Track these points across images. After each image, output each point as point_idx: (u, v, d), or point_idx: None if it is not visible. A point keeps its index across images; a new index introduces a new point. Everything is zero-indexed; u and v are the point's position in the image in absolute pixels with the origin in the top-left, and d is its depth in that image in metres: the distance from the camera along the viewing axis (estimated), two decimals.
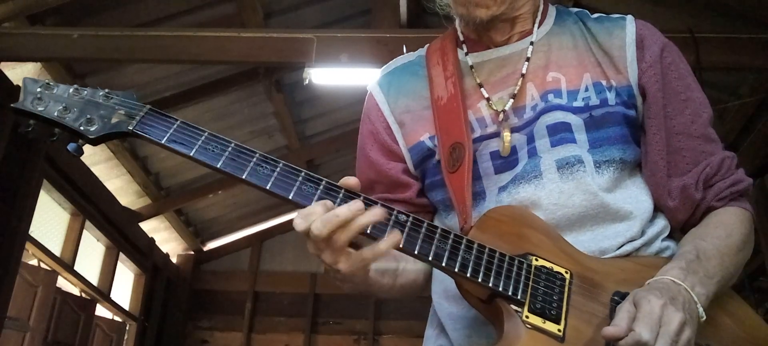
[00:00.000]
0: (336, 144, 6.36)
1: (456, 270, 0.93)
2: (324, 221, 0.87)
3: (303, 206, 0.91)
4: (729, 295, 1.06)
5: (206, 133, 0.96)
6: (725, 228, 1.07)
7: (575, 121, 1.09)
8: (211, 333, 7.50)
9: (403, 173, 1.19)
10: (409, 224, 0.93)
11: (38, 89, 0.98)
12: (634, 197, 1.10)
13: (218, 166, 0.93)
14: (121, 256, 6.12)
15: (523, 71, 1.13)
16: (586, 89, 1.11)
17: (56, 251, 4.98)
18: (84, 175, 5.21)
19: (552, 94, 1.11)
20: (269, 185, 0.93)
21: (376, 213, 0.90)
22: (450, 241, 0.94)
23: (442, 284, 1.13)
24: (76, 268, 5.18)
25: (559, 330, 0.93)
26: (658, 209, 1.12)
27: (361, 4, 4.97)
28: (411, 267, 1.14)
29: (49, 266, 4.90)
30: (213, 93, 5.28)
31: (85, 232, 5.37)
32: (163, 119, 0.97)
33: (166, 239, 7.19)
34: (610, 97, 1.10)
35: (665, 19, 3.97)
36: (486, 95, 1.13)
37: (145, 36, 3.95)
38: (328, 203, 0.90)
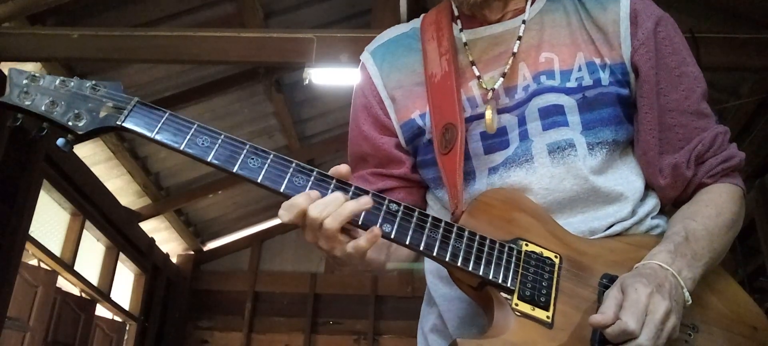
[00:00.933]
0: (336, 144, 6.36)
1: (447, 259, 0.94)
2: (320, 206, 0.89)
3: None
4: (717, 272, 1.06)
5: (195, 126, 0.94)
6: (716, 206, 1.06)
7: (568, 102, 1.08)
8: (211, 333, 7.50)
9: (395, 147, 1.19)
10: (400, 213, 0.94)
11: (24, 81, 0.95)
12: (625, 178, 1.09)
13: (208, 159, 0.92)
14: (121, 256, 6.12)
15: (514, 50, 1.12)
16: (579, 69, 1.10)
17: (56, 251, 4.98)
18: (84, 175, 5.21)
19: (544, 76, 1.10)
20: (260, 178, 0.92)
21: (362, 202, 0.91)
22: (441, 230, 0.95)
23: (436, 264, 1.13)
24: (76, 268, 5.18)
25: (547, 317, 0.94)
26: (649, 187, 1.12)
27: (361, 4, 4.97)
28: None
29: (49, 266, 4.90)
30: (213, 93, 5.28)
31: (85, 232, 5.37)
32: (152, 112, 0.95)
33: (166, 239, 7.19)
34: (604, 76, 1.09)
35: None
36: (477, 74, 1.13)
37: (145, 36, 3.95)
38: (313, 193, 0.90)
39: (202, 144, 0.93)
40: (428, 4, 4.39)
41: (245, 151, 0.93)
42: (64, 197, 4.97)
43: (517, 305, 0.94)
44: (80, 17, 4.22)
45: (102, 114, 0.95)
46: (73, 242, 5.18)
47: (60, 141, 0.95)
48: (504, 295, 0.95)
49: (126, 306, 6.39)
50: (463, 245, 0.95)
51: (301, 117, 6.11)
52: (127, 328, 6.48)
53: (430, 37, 1.20)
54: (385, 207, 0.93)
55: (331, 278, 7.47)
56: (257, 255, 7.77)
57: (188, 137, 0.93)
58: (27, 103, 0.94)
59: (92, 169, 5.35)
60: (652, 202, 1.11)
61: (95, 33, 3.90)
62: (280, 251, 7.73)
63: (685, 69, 1.12)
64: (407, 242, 0.93)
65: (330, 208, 0.89)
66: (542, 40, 1.13)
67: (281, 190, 0.92)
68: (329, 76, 3.99)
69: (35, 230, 4.57)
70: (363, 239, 0.90)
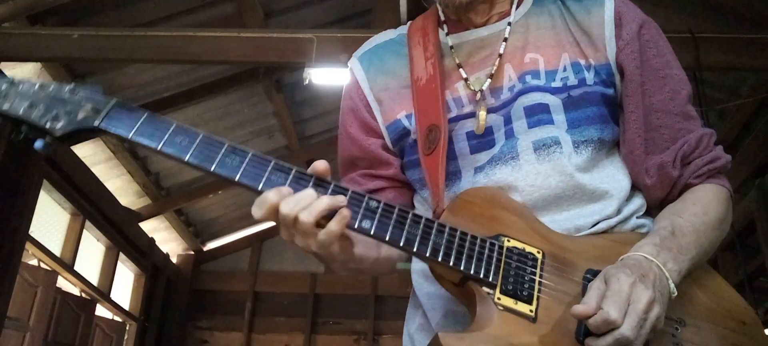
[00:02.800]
0: (336, 144, 6.32)
1: (427, 255, 0.93)
2: (292, 203, 0.88)
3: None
4: (703, 268, 1.07)
5: (174, 126, 0.94)
6: (703, 205, 1.07)
7: (553, 101, 1.09)
8: (211, 333, 7.50)
9: (382, 149, 1.20)
10: (380, 210, 0.93)
11: (3, 86, 0.96)
12: (611, 176, 1.10)
13: (186, 159, 0.92)
14: (121, 256, 6.12)
15: (501, 51, 1.13)
16: (564, 69, 1.11)
17: (56, 251, 4.98)
18: (84, 175, 5.21)
19: (530, 76, 1.11)
20: (238, 177, 0.92)
21: (337, 198, 0.91)
22: (421, 225, 0.94)
23: (421, 263, 1.14)
24: (76, 268, 5.18)
25: (530, 311, 0.94)
26: (635, 187, 1.12)
27: (361, 4, 4.97)
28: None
29: (49, 266, 4.90)
30: (213, 93, 5.28)
31: (85, 232, 5.37)
32: (130, 112, 0.95)
33: (166, 239, 7.19)
34: (589, 76, 1.10)
35: (665, 19, 3.98)
36: (464, 76, 1.14)
37: (145, 36, 3.95)
38: (285, 189, 0.90)
39: (181, 143, 0.93)
40: (428, 4, 4.38)
41: (223, 149, 0.93)
42: (64, 197, 4.97)
43: (499, 299, 0.93)
44: (80, 17, 4.23)
45: (80, 116, 0.95)
46: (73, 242, 5.19)
47: (38, 143, 0.95)
48: (486, 289, 0.94)
49: (126, 306, 6.39)
50: (444, 241, 0.94)
51: (301, 117, 6.11)
52: (127, 328, 6.49)
53: (416, 43, 1.21)
54: (364, 204, 0.93)
55: (331, 278, 7.47)
56: (257, 255, 7.77)
57: (166, 137, 0.93)
58: (5, 106, 0.95)
59: (92, 169, 5.35)
60: (638, 201, 1.12)
61: (95, 33, 3.90)
62: (280, 251, 7.73)
63: (669, 71, 1.13)
64: (387, 238, 0.92)
65: (302, 203, 0.89)
66: (527, 41, 1.14)
67: (259, 188, 0.91)
68: (329, 76, 3.99)
69: (35, 230, 4.57)
70: (334, 223, 0.90)
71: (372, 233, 0.92)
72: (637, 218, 1.10)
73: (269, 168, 0.93)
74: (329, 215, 0.90)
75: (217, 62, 4.37)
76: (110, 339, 6.10)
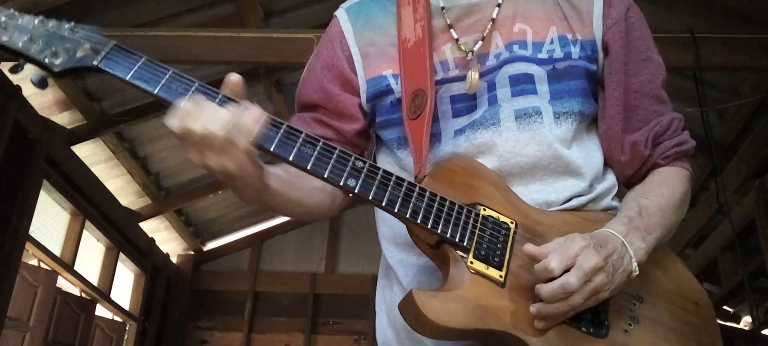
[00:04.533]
0: None
1: (407, 216, 0.97)
2: (205, 119, 0.86)
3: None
4: (663, 250, 1.12)
5: (171, 72, 0.96)
6: (668, 186, 1.12)
7: (538, 72, 1.12)
8: (211, 333, 7.50)
9: (353, 107, 1.20)
10: (365, 170, 0.96)
11: (3, 18, 0.96)
12: (587, 152, 1.13)
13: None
14: (121, 256, 6.12)
15: (494, 16, 1.15)
16: (551, 42, 1.14)
17: (56, 251, 4.98)
18: (84, 175, 5.21)
19: (517, 45, 1.14)
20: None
21: (258, 113, 0.90)
22: (403, 188, 0.98)
23: (391, 230, 1.16)
24: (76, 268, 5.18)
25: (500, 276, 0.98)
26: (607, 164, 1.17)
27: None
28: (319, 188, 1.14)
29: (49, 266, 4.90)
30: None
31: (85, 232, 5.37)
32: (129, 55, 0.97)
33: (166, 239, 7.19)
34: (575, 50, 1.14)
35: (665, 19, 3.97)
36: (455, 36, 1.15)
37: (145, 36, 3.95)
38: (202, 100, 0.90)
39: (177, 90, 0.94)
40: None
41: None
42: (64, 197, 4.97)
43: (472, 262, 0.98)
44: (80, 17, 4.21)
45: (79, 54, 0.96)
46: (73, 242, 5.18)
47: (35, 77, 0.96)
48: (460, 253, 0.99)
49: (126, 306, 6.39)
50: (424, 204, 0.98)
51: None
52: (127, 328, 6.48)
53: (405, 2, 1.21)
54: (351, 163, 0.96)
55: (331, 278, 7.48)
56: (257, 255, 7.77)
57: (163, 82, 0.94)
58: (4, 38, 0.95)
59: (92, 169, 5.35)
60: (611, 179, 1.16)
61: None
62: (280, 251, 7.73)
63: (650, 55, 1.18)
64: (370, 197, 0.96)
65: (213, 117, 0.87)
66: (517, 12, 1.17)
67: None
68: None
69: (35, 230, 4.57)
70: (245, 116, 0.88)
71: (356, 191, 0.95)
72: (610, 198, 1.14)
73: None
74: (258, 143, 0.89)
75: (217, 62, 4.36)
76: (110, 339, 6.09)
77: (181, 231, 7.15)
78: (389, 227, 1.17)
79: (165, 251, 7.21)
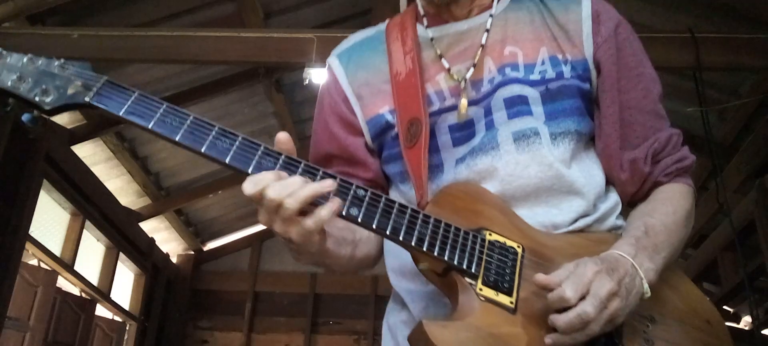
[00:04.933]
0: None
1: (413, 244, 0.94)
2: (279, 187, 0.87)
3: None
4: (672, 270, 1.10)
5: (164, 106, 0.94)
6: (672, 204, 1.10)
7: (532, 93, 1.11)
8: (211, 333, 7.50)
9: (362, 148, 1.20)
10: (367, 198, 0.94)
11: None
12: (588, 171, 1.12)
13: (177, 139, 0.92)
14: (121, 256, 6.12)
15: (483, 42, 1.15)
16: (543, 63, 1.13)
17: (56, 251, 4.98)
18: (84, 175, 5.21)
19: (509, 68, 1.13)
20: (228, 159, 0.92)
21: (324, 184, 0.90)
22: (407, 216, 0.95)
23: (398, 260, 1.15)
24: (76, 268, 5.18)
25: (511, 302, 0.96)
26: (609, 182, 1.15)
27: (361, 4, 4.97)
28: (365, 239, 1.15)
29: (49, 266, 4.89)
30: (213, 93, 5.28)
31: (85, 232, 5.37)
32: (121, 91, 0.95)
33: (166, 239, 7.19)
34: (566, 70, 1.13)
35: (665, 19, 3.97)
36: (447, 66, 1.15)
37: (145, 36, 3.94)
38: (281, 172, 0.90)
39: (171, 123, 0.93)
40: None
41: (214, 132, 0.93)
42: (64, 197, 4.96)
43: (481, 289, 0.95)
44: (80, 17, 4.22)
45: (70, 91, 0.95)
46: (73, 242, 5.18)
47: (25, 116, 0.94)
48: (468, 280, 0.96)
49: (126, 306, 6.39)
50: (429, 231, 0.96)
51: (301, 117, 6.10)
52: (127, 328, 6.48)
53: (394, 38, 1.22)
54: (352, 192, 0.94)
55: (331, 278, 7.47)
56: (257, 255, 7.77)
57: (157, 116, 0.93)
58: None
59: (92, 169, 5.35)
60: (614, 198, 1.15)
61: (95, 33, 3.90)
62: (280, 251, 7.72)
63: (643, 70, 1.17)
64: (374, 226, 0.93)
65: (290, 189, 0.88)
66: (506, 35, 1.16)
67: (249, 171, 0.91)
68: None
69: (35, 230, 4.57)
70: (324, 210, 0.89)
71: (360, 220, 0.93)
72: (615, 218, 1.13)
73: (259, 152, 0.93)
74: (314, 203, 0.90)
75: (217, 62, 4.37)
76: (110, 339, 6.10)
77: (181, 231, 7.15)
78: (396, 258, 1.16)
79: (165, 251, 7.21)
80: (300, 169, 0.93)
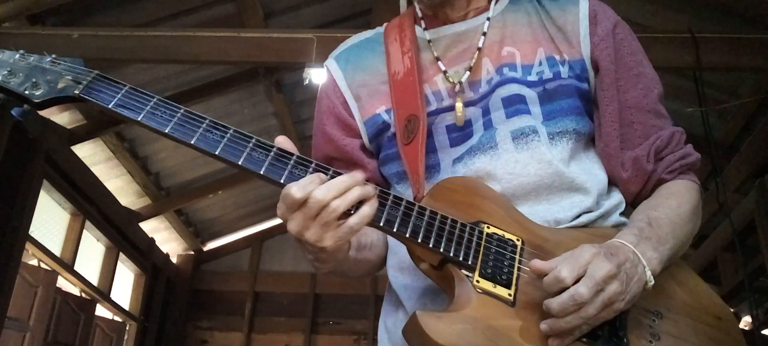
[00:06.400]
0: None
1: (407, 236, 0.93)
2: (325, 189, 0.87)
3: (254, 172, 0.92)
4: (679, 265, 1.09)
5: (155, 99, 0.95)
6: (676, 199, 1.09)
7: (529, 94, 1.11)
8: (211, 333, 7.51)
9: (360, 149, 1.20)
10: None
11: None
12: (588, 170, 1.11)
13: (166, 131, 0.92)
14: (121, 256, 6.12)
15: (480, 45, 1.15)
16: (540, 63, 1.13)
17: (56, 251, 4.98)
18: (84, 175, 5.21)
19: (507, 68, 1.13)
20: (218, 151, 0.92)
21: (368, 189, 0.91)
22: (402, 208, 0.95)
23: (396, 256, 1.15)
24: (76, 268, 5.18)
25: (509, 295, 0.94)
26: (612, 182, 1.14)
27: (361, 4, 4.97)
28: (375, 241, 1.16)
29: (49, 266, 4.89)
30: (213, 93, 5.28)
31: (85, 232, 5.37)
32: (112, 84, 0.96)
33: (166, 239, 7.19)
34: (563, 70, 1.13)
35: (665, 19, 3.97)
36: (443, 68, 1.15)
37: (145, 36, 3.94)
38: (322, 175, 0.91)
39: (161, 116, 0.93)
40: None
41: (204, 124, 0.93)
42: (64, 197, 4.96)
43: (478, 282, 0.94)
44: (80, 17, 4.23)
45: (60, 85, 0.96)
46: (73, 242, 5.18)
47: (15, 110, 0.96)
48: (465, 272, 0.95)
49: (126, 306, 6.39)
50: (424, 223, 0.95)
51: (301, 117, 6.11)
52: (127, 328, 6.48)
53: (392, 39, 1.23)
54: None
55: (331, 278, 7.46)
56: (257, 255, 7.78)
57: (147, 109, 0.93)
58: None
59: (92, 169, 5.35)
60: (618, 197, 1.14)
61: (95, 33, 3.90)
62: (280, 251, 7.73)
63: (642, 69, 1.16)
64: None
65: (338, 189, 0.88)
66: (504, 36, 1.17)
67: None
68: None
69: (35, 230, 4.57)
70: (368, 207, 0.90)
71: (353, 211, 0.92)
72: (619, 214, 1.12)
73: (251, 143, 0.93)
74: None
75: (217, 62, 4.37)
76: (110, 339, 6.09)
77: (181, 231, 7.15)
78: (395, 255, 1.15)
79: (165, 251, 7.21)
80: (312, 168, 0.93)
